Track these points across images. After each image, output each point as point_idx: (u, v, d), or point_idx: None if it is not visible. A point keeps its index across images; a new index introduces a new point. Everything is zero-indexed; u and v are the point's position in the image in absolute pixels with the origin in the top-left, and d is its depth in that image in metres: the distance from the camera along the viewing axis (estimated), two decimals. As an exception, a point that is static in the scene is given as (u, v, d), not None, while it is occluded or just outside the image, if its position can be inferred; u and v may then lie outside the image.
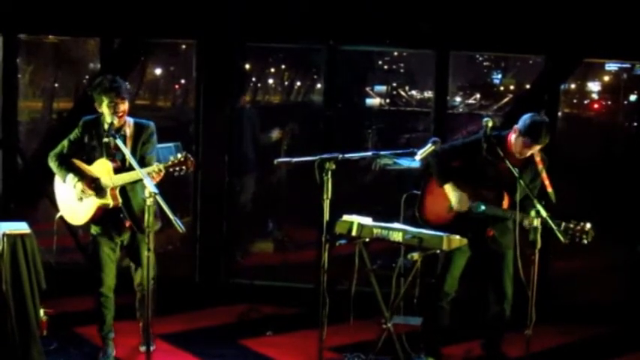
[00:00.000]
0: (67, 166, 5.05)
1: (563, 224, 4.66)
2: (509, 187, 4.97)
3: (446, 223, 5.11)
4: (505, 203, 5.00)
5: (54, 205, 6.91)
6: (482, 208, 4.98)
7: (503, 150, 4.92)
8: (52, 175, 5.25)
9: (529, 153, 4.94)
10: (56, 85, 11.05)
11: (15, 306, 4.81)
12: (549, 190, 4.89)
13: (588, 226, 4.64)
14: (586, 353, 6.04)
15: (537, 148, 4.92)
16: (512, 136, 4.95)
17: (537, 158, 4.98)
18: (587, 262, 7.82)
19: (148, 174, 4.55)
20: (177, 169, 4.58)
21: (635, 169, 6.72)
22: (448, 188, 5.13)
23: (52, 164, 5.13)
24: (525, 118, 4.92)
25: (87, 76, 9.83)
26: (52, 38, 8.66)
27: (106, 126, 4.89)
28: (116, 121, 4.90)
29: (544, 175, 4.94)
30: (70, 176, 5.00)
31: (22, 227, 4.94)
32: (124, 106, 4.92)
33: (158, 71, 14.28)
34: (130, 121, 5.05)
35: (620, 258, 6.94)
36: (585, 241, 4.65)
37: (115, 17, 6.72)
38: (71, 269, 6.62)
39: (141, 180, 4.55)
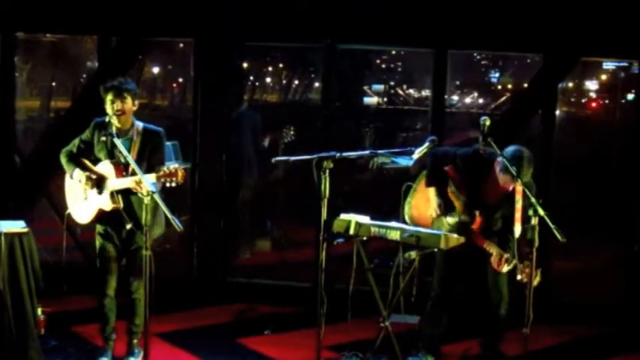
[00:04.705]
0: (76, 163, 5.06)
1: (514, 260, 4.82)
2: (486, 208, 4.98)
3: (427, 222, 5.16)
4: (475, 225, 5.00)
5: (51, 204, 6.96)
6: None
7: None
8: (49, 174, 5.25)
9: (512, 187, 4.84)
10: (54, 83, 11.06)
11: (12, 305, 4.80)
12: (517, 223, 4.80)
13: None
14: (583, 353, 6.03)
15: (517, 184, 4.78)
16: (497, 168, 4.86)
17: (519, 187, 4.79)
18: (585, 261, 7.84)
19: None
20: (168, 179, 4.51)
21: (633, 168, 6.71)
22: (431, 192, 5.17)
23: (62, 160, 5.14)
24: (507, 153, 4.76)
25: (84, 75, 9.84)
26: (49, 37, 8.66)
27: (114, 128, 4.89)
28: (114, 120, 4.88)
29: (518, 206, 4.80)
30: (77, 171, 5.01)
31: (19, 226, 4.93)
32: (120, 106, 4.86)
33: (156, 70, 14.30)
34: (139, 125, 5.01)
35: (619, 258, 6.93)
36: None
37: (113, 15, 6.70)
38: (68, 268, 6.59)
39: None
